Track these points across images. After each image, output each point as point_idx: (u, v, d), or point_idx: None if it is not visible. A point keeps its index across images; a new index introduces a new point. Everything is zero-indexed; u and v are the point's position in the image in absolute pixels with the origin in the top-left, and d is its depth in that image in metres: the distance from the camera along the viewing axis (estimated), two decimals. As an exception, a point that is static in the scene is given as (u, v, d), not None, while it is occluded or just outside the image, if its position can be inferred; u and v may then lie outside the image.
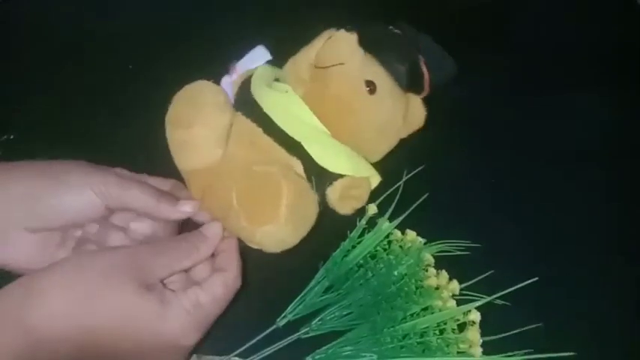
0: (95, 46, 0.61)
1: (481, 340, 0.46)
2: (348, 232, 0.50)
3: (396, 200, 0.50)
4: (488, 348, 0.46)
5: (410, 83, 0.45)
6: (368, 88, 0.42)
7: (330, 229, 0.51)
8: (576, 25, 0.69)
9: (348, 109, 0.43)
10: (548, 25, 0.70)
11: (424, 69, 0.46)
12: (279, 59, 0.49)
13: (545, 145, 0.61)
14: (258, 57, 0.50)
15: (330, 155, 0.42)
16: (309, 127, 0.43)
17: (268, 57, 0.50)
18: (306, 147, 0.42)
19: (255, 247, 0.43)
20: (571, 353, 0.43)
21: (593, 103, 0.63)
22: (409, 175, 0.52)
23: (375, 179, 0.45)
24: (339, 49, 0.42)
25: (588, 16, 0.70)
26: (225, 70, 0.50)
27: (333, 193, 0.43)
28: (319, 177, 0.43)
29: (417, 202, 0.51)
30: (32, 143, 0.54)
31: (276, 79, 0.46)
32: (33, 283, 0.35)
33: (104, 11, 0.64)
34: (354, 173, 0.43)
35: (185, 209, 0.42)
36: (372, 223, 0.51)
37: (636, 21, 0.70)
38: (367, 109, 0.43)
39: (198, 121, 0.42)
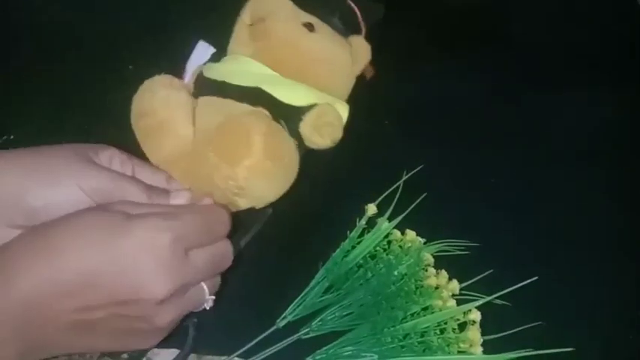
0: (95, 46, 0.61)
1: (481, 340, 0.46)
2: (348, 232, 0.50)
3: (395, 200, 0.50)
4: (488, 347, 0.46)
5: (346, 29, 0.47)
6: (307, 29, 0.44)
7: (330, 229, 0.51)
8: (576, 24, 0.69)
9: (294, 51, 0.45)
10: (548, 24, 0.70)
11: (356, 10, 0.48)
12: (221, 50, 0.50)
13: (545, 144, 0.61)
14: (202, 53, 0.51)
15: (290, 91, 0.43)
16: (263, 75, 0.44)
17: (212, 50, 0.51)
18: (265, 89, 0.43)
19: (245, 202, 0.43)
20: (570, 349, 0.43)
21: (593, 103, 0.63)
22: (408, 175, 0.52)
23: (343, 107, 0.45)
24: (267, 2, 0.44)
25: (588, 15, 0.70)
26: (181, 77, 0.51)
27: (305, 126, 0.43)
28: (289, 117, 0.43)
29: (416, 202, 0.51)
30: (32, 143, 0.54)
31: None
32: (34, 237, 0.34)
33: (104, 11, 0.64)
34: (319, 100, 0.43)
35: (177, 203, 0.40)
36: (371, 223, 0.51)
37: (636, 21, 0.70)
38: (311, 46, 0.45)
39: (159, 105, 0.43)
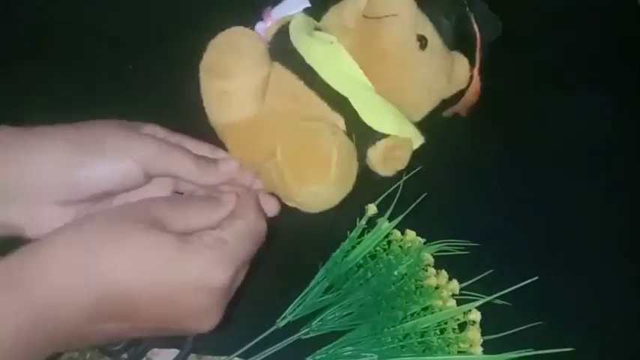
0: (95, 46, 0.61)
1: (481, 340, 0.46)
2: (348, 232, 0.50)
3: (395, 200, 0.50)
4: (488, 347, 0.46)
5: (456, 40, 0.43)
6: (419, 43, 0.40)
7: (330, 229, 0.51)
8: (576, 25, 0.69)
9: (398, 63, 0.41)
10: (548, 25, 0.70)
11: (475, 26, 0.44)
12: (317, 9, 0.46)
13: (545, 144, 0.61)
14: (295, 4, 0.46)
15: (376, 113, 0.40)
16: (356, 82, 0.41)
17: (307, 4, 0.46)
18: (353, 103, 0.40)
19: (292, 205, 0.41)
20: (570, 349, 0.43)
21: (593, 103, 0.63)
22: (408, 175, 0.51)
23: (418, 140, 0.42)
24: (392, 1, 0.40)
25: (588, 16, 0.70)
26: (258, 16, 0.46)
27: (376, 153, 0.41)
28: (361, 136, 0.40)
29: (417, 202, 0.51)
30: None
31: (316, 28, 0.43)
32: (30, 255, 0.32)
33: (104, 11, 0.64)
34: (398, 133, 0.41)
35: (225, 170, 0.40)
36: (371, 223, 0.51)
37: (636, 21, 0.70)
38: (417, 65, 0.41)
39: (239, 71, 0.40)
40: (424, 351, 0.45)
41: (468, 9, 0.45)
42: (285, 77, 0.41)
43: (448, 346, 0.46)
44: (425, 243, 0.50)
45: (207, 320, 0.36)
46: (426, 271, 0.49)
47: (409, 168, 0.52)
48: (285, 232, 0.52)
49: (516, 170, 0.59)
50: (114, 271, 0.32)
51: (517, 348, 0.45)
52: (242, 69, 0.40)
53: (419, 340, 0.46)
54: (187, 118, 0.47)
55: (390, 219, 0.50)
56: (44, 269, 0.31)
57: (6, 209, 0.35)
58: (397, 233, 0.50)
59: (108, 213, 0.35)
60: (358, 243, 0.50)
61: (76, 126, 0.37)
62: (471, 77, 0.46)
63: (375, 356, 0.46)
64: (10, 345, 0.30)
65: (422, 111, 0.43)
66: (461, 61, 0.44)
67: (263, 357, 0.46)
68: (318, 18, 0.44)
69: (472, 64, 0.44)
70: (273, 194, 0.42)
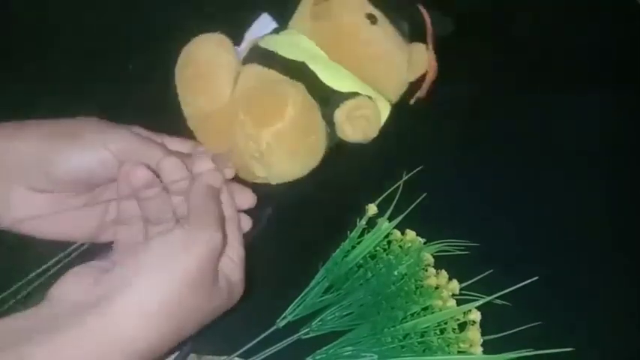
0: (95, 45, 0.61)
1: (481, 340, 0.46)
2: (348, 232, 0.50)
3: (395, 200, 0.50)
4: (488, 347, 0.46)
5: (412, 36, 0.46)
6: (369, 20, 0.43)
7: (330, 229, 0.51)
8: (576, 24, 0.69)
9: (351, 39, 0.44)
10: (548, 24, 0.70)
11: (426, 19, 0.47)
12: (283, 26, 0.49)
13: (545, 144, 0.61)
14: (264, 26, 0.50)
15: (334, 74, 0.42)
16: (311, 53, 0.43)
17: (274, 25, 0.49)
18: (310, 66, 0.42)
19: (263, 171, 0.43)
20: (570, 349, 0.43)
21: (593, 103, 0.63)
22: (409, 175, 0.52)
23: (385, 106, 0.44)
24: None
25: (588, 16, 0.70)
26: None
27: (340, 113, 0.42)
28: (325, 101, 0.42)
29: (417, 202, 0.51)
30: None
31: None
32: (113, 304, 0.31)
33: (104, 10, 0.64)
34: (360, 91, 0.42)
35: (200, 165, 0.40)
36: (371, 223, 0.51)
37: (636, 21, 0.70)
38: (370, 38, 0.44)
39: (205, 59, 0.43)
40: (424, 351, 0.45)
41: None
42: (251, 70, 0.44)
43: (448, 346, 0.46)
44: (425, 243, 0.50)
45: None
46: (426, 271, 0.49)
47: (409, 168, 0.52)
48: (286, 231, 0.52)
49: (516, 170, 0.59)
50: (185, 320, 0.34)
51: (517, 348, 0.45)
52: (211, 55, 0.43)
53: (419, 340, 0.46)
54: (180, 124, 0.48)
55: (390, 219, 0.50)
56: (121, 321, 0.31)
57: None
58: (397, 233, 0.50)
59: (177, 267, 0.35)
60: (358, 243, 0.50)
61: (52, 120, 0.38)
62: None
63: (375, 356, 0.46)
64: None
65: (387, 87, 0.45)
66: (418, 47, 0.46)
67: (263, 357, 0.46)
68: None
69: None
70: (246, 183, 0.44)
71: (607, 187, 0.59)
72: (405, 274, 0.49)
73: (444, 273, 0.49)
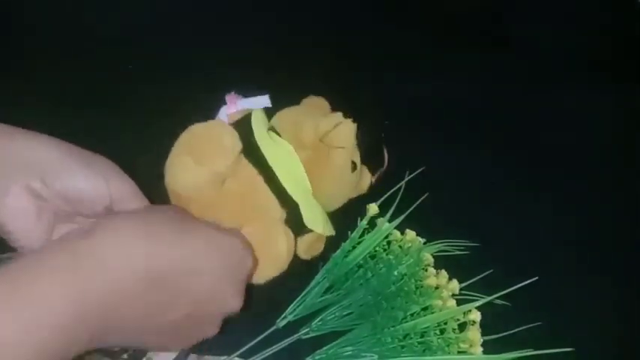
0: (95, 46, 0.61)
1: (481, 340, 0.46)
2: (349, 232, 0.50)
3: (397, 201, 0.50)
4: (488, 348, 0.46)
5: (367, 160, 0.54)
6: (352, 167, 0.51)
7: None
8: (576, 24, 0.69)
9: (336, 179, 0.51)
10: (548, 24, 0.70)
11: (385, 158, 0.55)
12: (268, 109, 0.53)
13: (545, 144, 0.61)
14: (260, 103, 0.56)
15: (314, 217, 0.49)
16: (305, 191, 0.50)
17: (269, 104, 0.56)
18: (301, 209, 0.48)
19: None
20: (570, 349, 0.43)
21: (592, 102, 0.63)
22: (410, 176, 0.52)
23: (330, 233, 0.50)
24: (345, 135, 0.50)
25: (588, 15, 0.70)
26: (221, 100, 0.55)
27: (303, 244, 0.49)
28: (294, 229, 0.49)
29: (417, 202, 0.51)
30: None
31: (270, 128, 0.51)
32: (84, 247, 0.33)
33: (104, 11, 0.64)
34: (323, 233, 0.49)
35: None
36: (371, 223, 0.51)
37: (636, 21, 0.70)
38: (346, 181, 0.52)
39: (210, 163, 0.47)
40: (424, 351, 0.45)
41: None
42: (246, 169, 0.48)
43: (448, 346, 0.46)
44: (425, 243, 0.50)
45: (236, 301, 0.39)
46: (426, 271, 0.49)
47: (410, 168, 0.52)
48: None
49: (516, 170, 0.59)
50: (169, 251, 0.35)
51: (517, 348, 0.45)
52: (219, 162, 0.47)
53: (419, 340, 0.46)
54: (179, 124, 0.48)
55: (391, 219, 0.50)
56: (89, 267, 0.33)
57: None
58: (397, 233, 0.50)
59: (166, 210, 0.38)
60: (359, 243, 0.50)
61: (71, 145, 0.40)
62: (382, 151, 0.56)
63: (376, 356, 0.46)
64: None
65: (334, 207, 0.53)
66: (366, 174, 0.54)
67: (263, 357, 0.46)
68: (269, 117, 0.52)
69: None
70: None
71: (607, 187, 0.59)
72: (405, 274, 0.49)
73: (444, 273, 0.49)
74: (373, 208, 0.50)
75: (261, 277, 0.48)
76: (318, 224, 0.49)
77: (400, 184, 0.51)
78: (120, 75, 0.60)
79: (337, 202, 0.53)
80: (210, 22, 0.65)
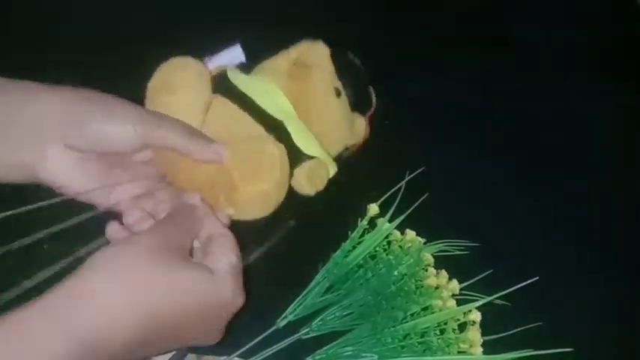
0: (95, 39, 0.61)
1: (481, 340, 0.46)
2: (349, 232, 0.50)
3: (397, 201, 0.50)
4: (488, 348, 0.46)
5: (355, 107, 0.53)
6: (335, 93, 0.50)
7: (330, 229, 0.51)
8: (576, 24, 0.69)
9: (319, 105, 0.50)
10: (548, 24, 0.70)
11: (372, 96, 0.55)
12: (249, 62, 0.53)
13: (545, 144, 0.61)
14: (233, 56, 0.55)
15: (305, 138, 0.47)
16: (287, 112, 0.48)
17: (243, 59, 0.55)
18: (287, 126, 0.47)
19: (231, 211, 0.45)
20: (570, 349, 0.43)
21: (592, 102, 0.63)
22: (411, 176, 0.52)
23: (333, 169, 0.50)
24: (320, 55, 0.50)
25: (588, 15, 0.70)
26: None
27: (302, 172, 0.48)
28: (292, 160, 0.47)
29: (417, 202, 0.51)
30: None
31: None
32: (75, 287, 0.34)
33: (107, 7, 0.64)
34: (321, 156, 0.48)
35: (217, 150, 0.44)
36: (371, 223, 0.51)
37: (636, 21, 0.70)
38: (334, 107, 0.50)
39: (183, 87, 0.46)
40: (424, 351, 0.45)
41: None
42: (224, 105, 0.47)
43: (448, 346, 0.46)
44: (425, 243, 0.50)
45: (215, 339, 0.41)
46: (426, 271, 0.49)
47: (410, 168, 0.52)
48: (286, 231, 0.52)
49: (516, 170, 0.59)
50: (162, 302, 0.35)
51: (517, 348, 0.45)
52: (187, 86, 0.46)
53: (419, 340, 0.46)
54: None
55: (391, 219, 0.50)
56: (90, 307, 0.33)
57: (19, 148, 0.39)
58: (397, 233, 0.50)
59: (136, 249, 0.37)
60: (359, 243, 0.50)
61: (89, 91, 0.41)
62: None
63: (375, 356, 0.46)
64: None
65: (332, 149, 0.51)
66: (359, 119, 0.54)
67: (263, 357, 0.46)
68: (248, 73, 0.51)
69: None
70: None
71: (607, 187, 0.59)
72: (405, 274, 0.49)
73: (444, 273, 0.49)
74: (373, 208, 0.50)
75: (261, 195, 0.46)
76: (311, 145, 0.48)
77: (400, 184, 0.51)
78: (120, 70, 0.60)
79: (331, 140, 0.51)
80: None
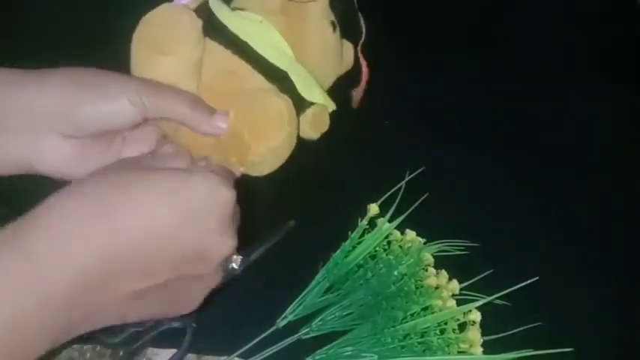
0: (95, 32, 0.61)
1: (481, 340, 0.46)
2: (350, 232, 0.50)
3: (397, 201, 0.50)
4: (488, 348, 0.46)
5: (344, 34, 0.51)
6: (332, 26, 0.48)
7: (330, 229, 0.51)
8: (576, 24, 0.69)
9: (317, 42, 0.47)
10: (548, 24, 0.70)
11: (361, 20, 0.53)
12: None
13: (545, 144, 0.61)
14: None
15: (307, 85, 0.45)
16: (288, 57, 0.45)
17: None
18: (291, 76, 0.44)
19: (242, 170, 0.44)
20: (570, 349, 0.43)
21: (592, 102, 0.63)
22: (411, 176, 0.52)
23: (331, 107, 0.48)
24: None
25: (588, 15, 0.70)
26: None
27: (307, 119, 0.46)
28: (297, 109, 0.45)
29: (417, 202, 0.51)
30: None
31: (233, 9, 0.46)
32: (25, 221, 0.31)
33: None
34: (323, 102, 0.46)
35: (219, 123, 0.41)
36: (371, 223, 0.51)
37: (636, 21, 0.70)
38: (329, 44, 0.48)
39: (179, 46, 0.42)
40: (424, 351, 0.45)
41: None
42: (219, 53, 0.44)
43: (448, 346, 0.46)
44: (425, 243, 0.50)
45: (225, 244, 0.36)
46: (426, 271, 0.49)
47: (410, 168, 0.52)
48: (286, 232, 0.52)
49: (516, 170, 0.59)
50: (124, 220, 0.32)
51: (517, 348, 0.45)
52: (183, 44, 0.42)
53: (419, 340, 0.46)
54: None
55: (391, 219, 0.50)
56: (41, 232, 0.31)
57: (15, 142, 0.37)
58: (397, 233, 0.50)
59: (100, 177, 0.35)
60: (359, 243, 0.50)
61: (76, 68, 0.39)
62: (358, 62, 0.53)
63: (375, 356, 0.46)
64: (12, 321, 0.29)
65: (325, 82, 0.49)
66: (348, 46, 0.51)
67: (263, 357, 0.46)
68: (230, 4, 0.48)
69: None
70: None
71: (607, 187, 0.59)
72: (405, 274, 0.49)
73: (444, 273, 0.49)
74: (373, 208, 0.50)
75: (274, 152, 0.43)
76: (314, 92, 0.46)
77: (400, 184, 0.51)
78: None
79: (326, 76, 0.49)
80: None
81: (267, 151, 0.43)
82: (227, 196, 0.35)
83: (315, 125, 0.46)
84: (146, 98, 0.38)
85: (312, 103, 0.46)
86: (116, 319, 0.35)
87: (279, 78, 0.44)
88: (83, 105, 0.37)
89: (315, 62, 0.47)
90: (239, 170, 0.44)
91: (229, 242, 0.36)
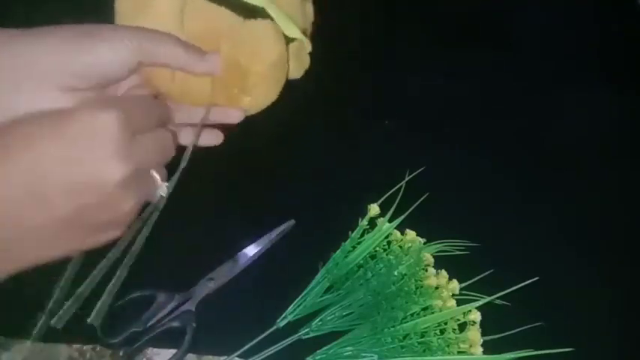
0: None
1: (481, 340, 0.46)
2: (350, 232, 0.50)
3: (397, 201, 0.50)
4: (488, 348, 0.46)
5: None
6: None
7: (330, 229, 0.51)
8: (576, 24, 0.69)
9: None
10: (548, 24, 0.70)
11: None
12: None
13: (545, 144, 0.61)
14: None
15: (285, 21, 0.47)
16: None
17: None
18: (268, 10, 0.46)
19: (247, 100, 0.45)
20: (570, 349, 0.43)
21: (593, 103, 0.63)
22: (411, 176, 0.52)
23: (309, 46, 0.49)
24: None
25: (588, 15, 0.70)
26: None
27: (289, 51, 0.47)
28: None
29: (417, 202, 0.51)
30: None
31: None
32: None
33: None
34: (300, 37, 0.47)
35: (212, 61, 0.43)
36: (371, 223, 0.51)
37: (636, 21, 0.70)
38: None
39: (156, 1, 0.43)
40: (424, 351, 0.46)
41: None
42: (196, 3, 0.44)
43: (448, 346, 0.46)
44: (425, 243, 0.50)
45: (114, 167, 0.34)
46: (426, 271, 0.49)
47: (410, 168, 0.52)
48: (286, 231, 0.52)
49: (516, 170, 0.59)
50: (18, 153, 0.32)
51: (517, 348, 0.45)
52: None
53: (419, 340, 0.46)
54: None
55: (391, 219, 0.50)
56: None
57: (17, 99, 0.38)
58: (397, 233, 0.50)
59: None
60: (359, 243, 0.50)
61: (72, 24, 0.40)
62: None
63: (375, 356, 0.46)
64: None
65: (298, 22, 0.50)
66: (309, 3, 0.52)
67: (263, 357, 0.46)
68: None
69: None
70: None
71: (607, 186, 0.59)
72: (405, 274, 0.49)
73: (444, 273, 0.49)
74: (374, 209, 0.50)
75: (271, 70, 0.45)
76: (292, 28, 0.47)
77: (400, 184, 0.51)
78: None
79: (294, 18, 0.49)
80: None
81: (265, 68, 0.44)
82: (105, 118, 0.34)
83: (298, 60, 0.48)
84: (142, 42, 0.39)
85: (292, 40, 0.47)
86: (38, 255, 0.35)
87: (254, 15, 0.45)
88: (82, 54, 0.38)
89: (286, 11, 0.48)
90: (244, 103, 0.45)
91: (119, 167, 0.34)
